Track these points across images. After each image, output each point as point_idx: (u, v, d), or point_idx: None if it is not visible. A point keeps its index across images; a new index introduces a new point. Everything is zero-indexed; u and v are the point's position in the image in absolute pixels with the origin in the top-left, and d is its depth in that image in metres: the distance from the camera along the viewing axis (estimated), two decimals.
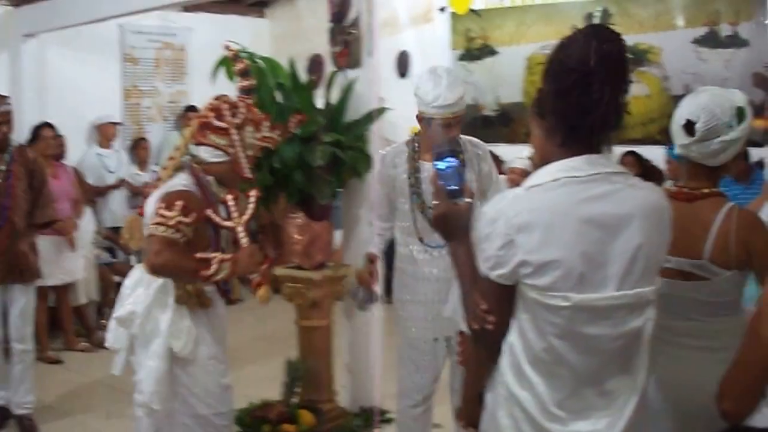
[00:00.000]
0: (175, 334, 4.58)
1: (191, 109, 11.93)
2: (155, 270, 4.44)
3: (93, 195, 10.65)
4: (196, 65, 12.37)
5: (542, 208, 2.67)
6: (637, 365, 2.82)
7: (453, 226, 2.88)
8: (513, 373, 2.79)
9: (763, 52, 9.87)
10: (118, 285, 10.15)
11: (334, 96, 6.81)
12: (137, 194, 11.20)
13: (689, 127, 3.48)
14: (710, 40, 10.26)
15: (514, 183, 9.06)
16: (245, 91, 4.94)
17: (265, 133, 4.85)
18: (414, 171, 5.46)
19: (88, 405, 7.65)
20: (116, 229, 10.80)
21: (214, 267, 4.46)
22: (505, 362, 2.82)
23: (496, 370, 2.89)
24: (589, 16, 11.28)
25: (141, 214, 4.73)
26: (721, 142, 3.49)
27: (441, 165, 2.89)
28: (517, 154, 10.23)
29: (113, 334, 4.87)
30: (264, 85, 6.25)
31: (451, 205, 2.87)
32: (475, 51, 12.60)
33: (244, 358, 8.94)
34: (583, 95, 2.64)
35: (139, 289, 4.74)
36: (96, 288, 10.03)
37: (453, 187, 2.87)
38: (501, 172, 7.35)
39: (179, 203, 4.40)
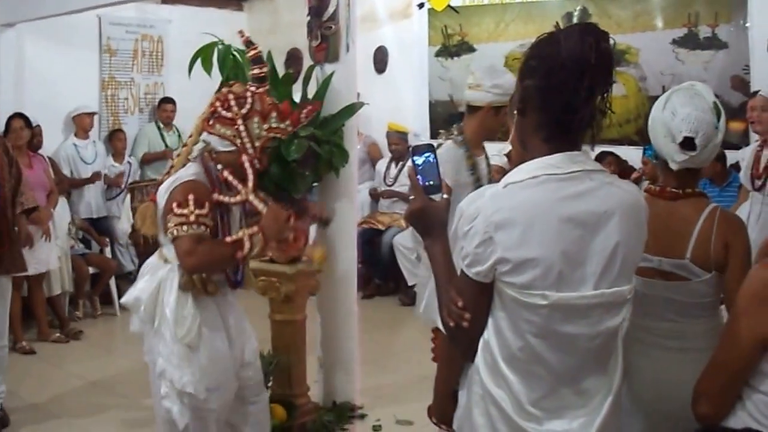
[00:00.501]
0: (179, 321, 4.58)
1: (167, 100, 12.08)
2: (193, 269, 4.51)
3: (68, 186, 10.59)
4: (173, 57, 12.37)
5: (521, 205, 2.63)
6: (613, 365, 2.80)
7: (429, 222, 2.85)
8: (489, 371, 2.75)
9: (742, 54, 9.83)
10: (93, 276, 10.25)
11: (312, 90, 6.74)
12: (113, 185, 11.19)
13: (689, 143, 3.44)
14: (689, 42, 10.22)
15: (494, 179, 9.12)
16: (257, 79, 4.87)
17: (272, 124, 4.78)
18: (473, 169, 5.50)
19: (61, 396, 7.58)
20: (91, 221, 10.81)
21: (246, 244, 4.52)
22: (480, 360, 2.77)
23: (470, 368, 2.85)
24: (569, 15, 11.25)
25: (153, 201, 4.69)
26: (713, 147, 3.48)
27: (418, 160, 2.86)
28: (492, 151, 10.27)
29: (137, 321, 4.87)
30: (241, 77, 6.19)
31: (427, 201, 2.84)
32: (452, 47, 12.53)
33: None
34: (574, 92, 2.60)
35: (146, 276, 4.77)
36: (70, 279, 9.94)
37: (430, 183, 2.84)
38: None
39: (191, 197, 4.45)
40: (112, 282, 10.47)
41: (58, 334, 9.36)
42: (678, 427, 3.41)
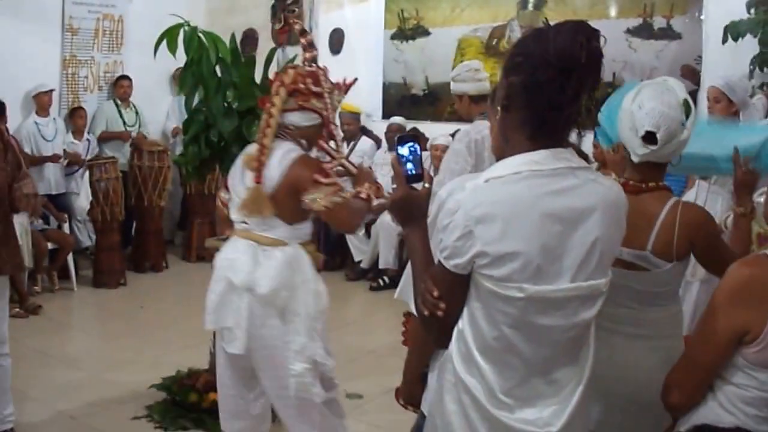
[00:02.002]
0: (317, 296, 4.68)
1: (123, 77, 12.12)
2: (357, 229, 4.99)
3: (29, 165, 10.44)
4: (132, 36, 12.32)
5: (503, 200, 2.58)
6: (584, 355, 2.78)
7: (410, 210, 2.82)
8: (462, 360, 2.71)
9: (695, 45, 9.92)
10: (52, 252, 10.14)
11: (272, 72, 6.66)
12: (72, 162, 11.08)
13: (650, 137, 3.43)
14: (643, 31, 10.29)
15: (437, 159, 9.31)
16: (312, 60, 4.95)
17: (339, 97, 4.96)
18: None
19: (24, 372, 7.45)
20: (50, 197, 10.69)
21: (373, 197, 4.75)
22: (454, 349, 2.74)
23: (443, 356, 2.83)
24: (524, 2, 11.29)
25: (258, 182, 4.61)
26: (677, 143, 3.47)
27: (402, 150, 2.84)
28: (440, 132, 10.59)
29: (215, 316, 4.75)
30: (205, 58, 6.13)
31: (409, 190, 2.80)
32: (408, 31, 12.52)
33: (169, 326, 8.87)
34: (559, 90, 2.55)
35: (267, 263, 4.66)
36: (30, 254, 9.80)
37: (413, 172, 2.82)
38: (424, 149, 7.34)
39: (322, 168, 4.63)
40: (70, 258, 10.36)
41: (17, 309, 9.19)
42: (632, 411, 3.46)
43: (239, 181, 4.77)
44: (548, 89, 2.55)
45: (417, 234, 2.82)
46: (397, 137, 2.90)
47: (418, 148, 2.85)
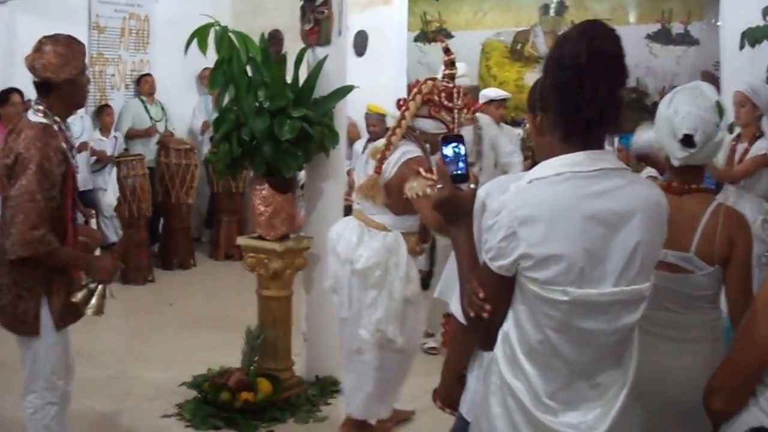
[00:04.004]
0: (408, 280, 5.30)
1: (146, 75, 12.30)
2: (435, 227, 5.10)
3: None
4: (158, 36, 12.40)
5: (546, 201, 2.56)
6: (628, 358, 2.75)
7: (455, 211, 2.78)
8: (507, 362, 2.68)
9: (713, 51, 9.90)
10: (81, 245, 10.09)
11: (302, 72, 6.66)
12: (100, 159, 11.09)
13: (688, 140, 3.44)
14: (662, 37, 10.29)
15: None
16: (451, 77, 5.35)
17: (467, 116, 5.49)
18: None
19: None
20: (78, 193, 10.62)
21: None
22: (500, 351, 2.71)
23: (481, 357, 2.86)
24: (545, 7, 11.26)
25: (378, 173, 5.27)
26: (714, 144, 3.49)
27: (447, 150, 2.79)
28: (463, 132, 10.36)
29: (333, 281, 5.51)
30: (236, 58, 6.10)
31: (454, 190, 2.76)
32: (430, 33, 12.54)
33: (198, 323, 8.82)
34: (578, 91, 2.55)
35: (369, 243, 5.32)
36: None
37: (457, 173, 2.77)
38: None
39: (430, 167, 5.03)
40: (97, 253, 10.30)
41: None
42: (674, 416, 3.42)
43: (362, 168, 5.48)
44: (568, 90, 2.57)
45: (463, 235, 2.79)
46: (442, 137, 2.85)
47: (462, 148, 2.80)
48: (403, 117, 5.33)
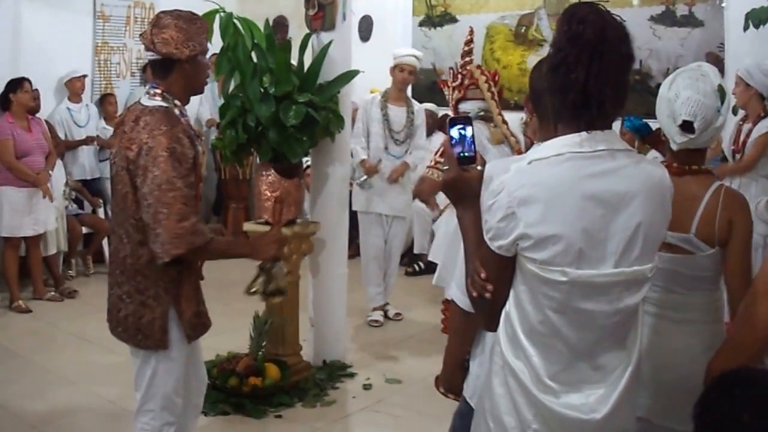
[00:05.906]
0: None
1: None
2: (429, 201, 5.70)
3: (64, 149, 10.48)
4: None
5: (545, 182, 2.56)
6: (632, 339, 2.75)
7: (462, 192, 2.78)
8: (509, 342, 2.70)
9: (717, 32, 9.83)
10: (86, 236, 10.14)
11: (307, 58, 6.67)
12: (106, 147, 11.09)
13: (688, 126, 3.42)
14: (666, 19, 10.20)
15: None
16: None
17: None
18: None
19: (59, 355, 7.48)
20: (84, 182, 10.69)
21: None
22: (502, 331, 2.73)
23: (483, 343, 2.91)
24: None
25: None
26: (713, 129, 3.46)
27: (453, 131, 2.78)
28: None
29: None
30: (241, 44, 6.11)
31: (461, 171, 2.75)
32: (435, 18, 12.50)
33: (209, 310, 8.82)
34: (564, 74, 2.55)
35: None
36: (65, 238, 9.84)
37: (464, 154, 2.76)
38: None
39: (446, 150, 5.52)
40: (105, 242, 10.34)
41: (52, 293, 9.25)
42: (680, 398, 3.38)
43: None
44: (556, 73, 2.58)
45: (469, 216, 2.78)
46: (449, 119, 2.84)
47: (469, 129, 2.78)
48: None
